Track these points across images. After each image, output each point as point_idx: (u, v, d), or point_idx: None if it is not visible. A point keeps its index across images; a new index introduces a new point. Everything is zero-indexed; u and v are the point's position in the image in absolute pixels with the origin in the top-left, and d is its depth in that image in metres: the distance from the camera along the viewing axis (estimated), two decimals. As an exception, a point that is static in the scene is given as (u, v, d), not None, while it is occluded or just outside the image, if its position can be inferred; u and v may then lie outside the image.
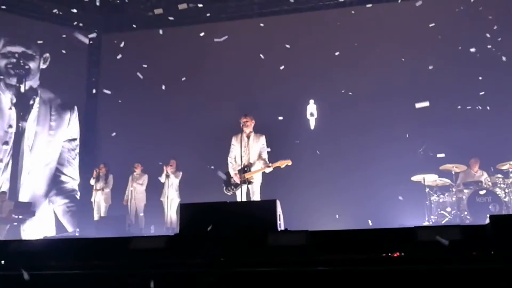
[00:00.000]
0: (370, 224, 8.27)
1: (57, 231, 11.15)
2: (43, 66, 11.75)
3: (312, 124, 10.42)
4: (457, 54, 9.41)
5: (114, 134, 10.74)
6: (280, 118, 9.39)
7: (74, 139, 11.98)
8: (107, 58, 11.95)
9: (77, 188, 11.79)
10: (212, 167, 8.06)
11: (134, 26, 11.67)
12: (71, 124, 11.98)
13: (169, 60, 10.89)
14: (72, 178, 11.80)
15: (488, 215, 2.96)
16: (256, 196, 6.64)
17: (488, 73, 9.16)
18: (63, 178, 11.72)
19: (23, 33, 11.56)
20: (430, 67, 9.30)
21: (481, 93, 9.15)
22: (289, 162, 6.58)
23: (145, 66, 10.69)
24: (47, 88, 11.66)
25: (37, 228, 10.59)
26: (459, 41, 9.46)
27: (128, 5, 11.54)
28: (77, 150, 11.99)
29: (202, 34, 10.24)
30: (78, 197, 11.71)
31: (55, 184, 11.60)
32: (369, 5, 10.07)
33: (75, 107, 12.01)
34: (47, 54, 11.70)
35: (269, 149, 6.89)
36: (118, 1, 11.18)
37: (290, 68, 10.21)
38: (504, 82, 9.23)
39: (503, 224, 2.90)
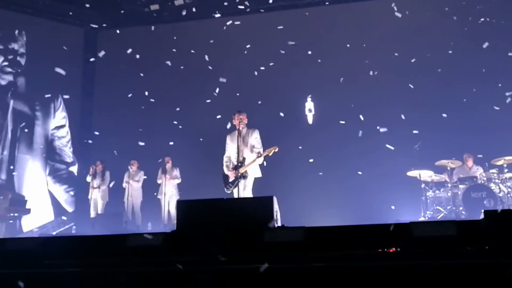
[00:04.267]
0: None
1: (55, 214, 11.30)
2: (35, 62, 11.63)
3: (310, 119, 10.43)
4: (452, 51, 9.44)
5: (110, 136, 10.84)
6: (281, 114, 9.37)
7: (63, 126, 12.05)
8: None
9: (74, 170, 11.97)
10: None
11: (130, 22, 11.62)
12: (57, 113, 12.04)
13: (165, 56, 10.84)
14: (66, 163, 11.96)
15: (483, 210, 2.97)
16: (248, 190, 6.58)
17: (483, 69, 9.21)
18: (56, 165, 11.85)
19: (18, 29, 11.47)
20: (425, 59, 9.44)
21: (474, 90, 9.19)
22: (276, 149, 6.51)
23: (142, 62, 10.66)
24: (37, 82, 11.56)
25: (34, 219, 10.61)
26: (453, 39, 9.49)
27: (124, 1, 11.48)
28: (68, 137, 12.10)
29: (198, 30, 10.19)
30: (75, 178, 11.93)
31: (50, 172, 11.71)
32: (366, 2, 10.02)
33: (59, 95, 11.99)
34: (40, 49, 11.59)
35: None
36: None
37: (288, 64, 10.20)
38: (498, 77, 9.26)
39: (497, 219, 2.91)
